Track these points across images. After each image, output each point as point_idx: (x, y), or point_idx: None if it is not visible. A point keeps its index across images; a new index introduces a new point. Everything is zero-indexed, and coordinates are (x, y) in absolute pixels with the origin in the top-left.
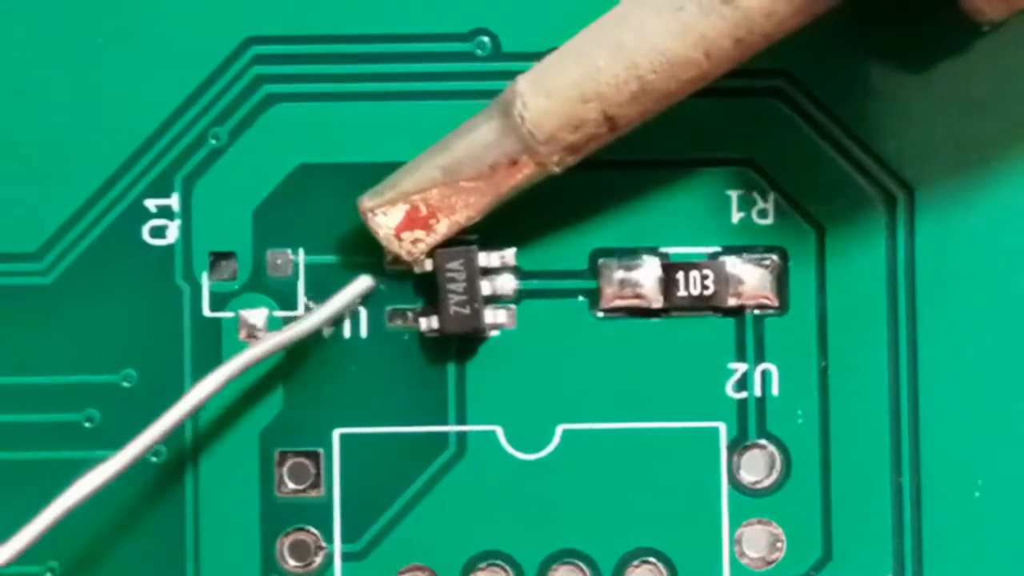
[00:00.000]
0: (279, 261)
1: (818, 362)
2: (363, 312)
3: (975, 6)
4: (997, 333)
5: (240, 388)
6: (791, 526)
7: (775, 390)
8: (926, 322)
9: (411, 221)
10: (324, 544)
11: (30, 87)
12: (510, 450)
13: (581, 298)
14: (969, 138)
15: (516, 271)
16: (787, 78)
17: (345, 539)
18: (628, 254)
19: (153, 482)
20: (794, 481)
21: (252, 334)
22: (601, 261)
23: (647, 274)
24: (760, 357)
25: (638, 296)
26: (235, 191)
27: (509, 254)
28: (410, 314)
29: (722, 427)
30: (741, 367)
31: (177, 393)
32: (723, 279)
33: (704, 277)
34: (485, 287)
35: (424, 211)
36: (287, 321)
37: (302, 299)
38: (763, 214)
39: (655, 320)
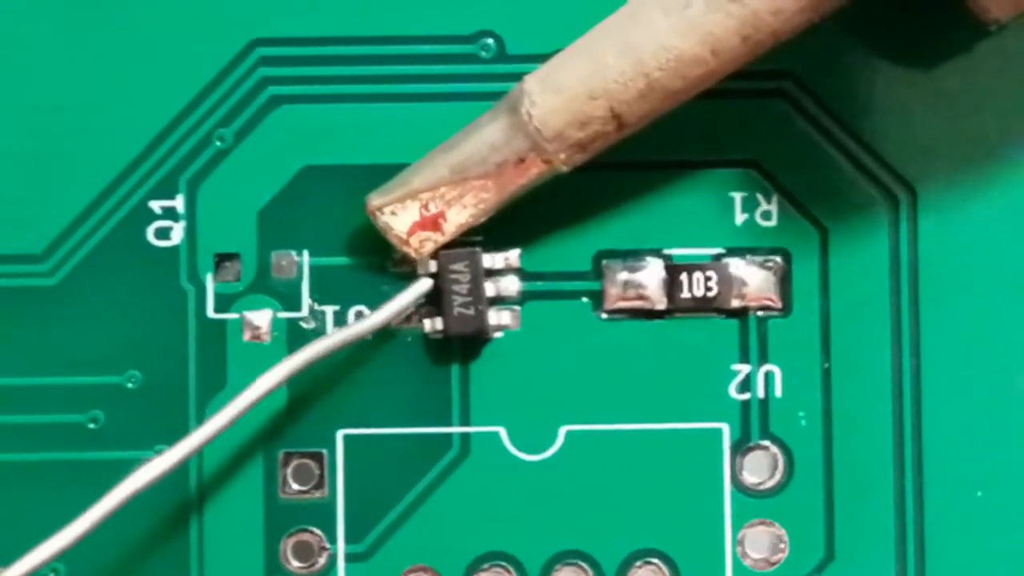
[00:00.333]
0: (284, 263)
1: (821, 363)
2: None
3: (982, 5)
4: (1000, 333)
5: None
6: (794, 527)
7: (778, 391)
8: (929, 323)
9: (419, 220)
10: (328, 545)
11: (35, 89)
12: (514, 451)
13: (585, 299)
14: (972, 139)
15: (520, 272)
16: (791, 80)
17: (349, 540)
18: (632, 255)
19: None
20: (797, 482)
21: (256, 336)
22: (605, 262)
23: (651, 275)
24: (763, 358)
25: (642, 297)
26: (240, 193)
27: (513, 255)
28: (414, 315)
29: (725, 428)
30: (744, 368)
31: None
32: (727, 280)
33: (708, 278)
34: (489, 288)
35: (432, 210)
36: (291, 323)
37: (306, 301)
38: (767, 216)
39: (659, 321)
